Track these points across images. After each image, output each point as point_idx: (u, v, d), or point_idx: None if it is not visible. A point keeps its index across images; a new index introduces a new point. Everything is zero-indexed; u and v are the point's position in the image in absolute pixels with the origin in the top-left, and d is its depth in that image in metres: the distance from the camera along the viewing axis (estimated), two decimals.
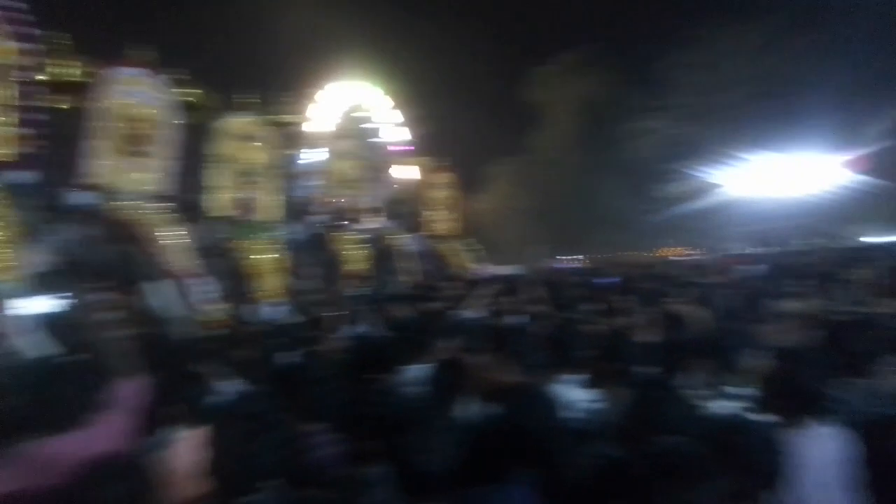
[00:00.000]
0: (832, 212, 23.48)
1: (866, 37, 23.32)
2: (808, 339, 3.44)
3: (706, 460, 1.63)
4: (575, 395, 2.96)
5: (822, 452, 2.11)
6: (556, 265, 13.28)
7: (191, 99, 12.49)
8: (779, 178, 24.68)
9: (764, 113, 27.43)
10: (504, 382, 2.73)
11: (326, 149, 14.77)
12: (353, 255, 13.31)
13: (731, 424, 1.91)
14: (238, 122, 11.16)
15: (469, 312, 6.45)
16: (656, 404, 2.07)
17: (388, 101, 20.52)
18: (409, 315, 6.10)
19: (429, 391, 2.97)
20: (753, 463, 1.80)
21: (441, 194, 18.27)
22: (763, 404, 2.46)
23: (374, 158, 20.96)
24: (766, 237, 20.58)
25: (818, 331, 3.45)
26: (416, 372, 3.39)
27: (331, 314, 4.62)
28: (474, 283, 10.37)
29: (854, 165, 22.40)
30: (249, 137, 11.19)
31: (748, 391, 2.74)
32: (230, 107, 11.56)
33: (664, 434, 1.80)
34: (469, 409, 2.67)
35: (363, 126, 20.60)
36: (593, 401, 2.78)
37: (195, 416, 2.17)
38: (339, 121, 17.36)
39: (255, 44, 25.94)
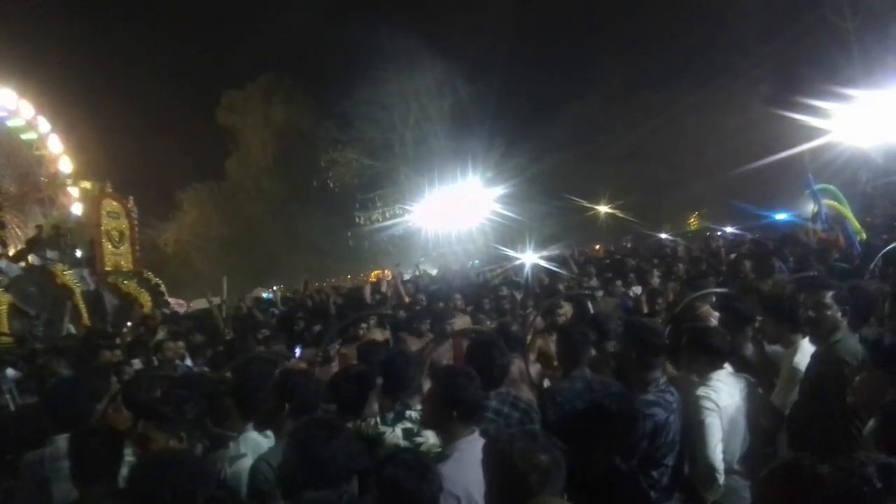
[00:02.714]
0: (488, 237, 28.10)
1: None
2: (465, 354, 3.90)
3: None
4: (261, 446, 2.89)
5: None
6: (252, 298, 12.76)
7: None
8: (449, 208, 28.33)
9: (434, 150, 31.49)
10: (150, 450, 2.50)
11: None
12: None
13: (391, 459, 2.04)
14: None
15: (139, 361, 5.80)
16: (319, 446, 2.05)
17: (35, 112, 17.24)
18: (71, 372, 5.21)
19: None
20: (414, 492, 1.92)
21: (115, 223, 15.97)
22: (427, 423, 2.74)
23: (22, 180, 17.47)
24: (444, 260, 23.40)
25: (472, 346, 3.94)
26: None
27: None
28: (156, 324, 9.37)
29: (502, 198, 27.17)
30: None
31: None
32: None
33: (328, 478, 1.86)
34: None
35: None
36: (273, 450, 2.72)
37: None
38: None
39: None
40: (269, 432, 2.99)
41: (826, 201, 10.34)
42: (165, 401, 2.68)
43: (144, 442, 2.55)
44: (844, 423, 2.77)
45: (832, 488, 1.35)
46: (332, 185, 34.13)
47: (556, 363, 4.26)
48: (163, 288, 16.52)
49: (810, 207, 11.01)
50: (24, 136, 17.80)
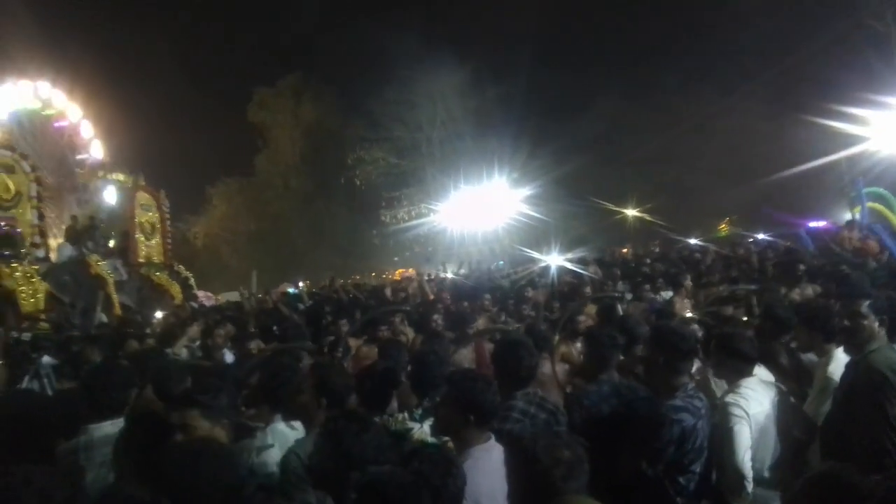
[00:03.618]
0: (514, 237, 28.02)
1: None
2: (493, 353, 3.89)
3: (409, 487, 1.76)
4: (288, 437, 2.93)
5: (498, 466, 2.29)
6: (277, 292, 12.90)
7: None
8: (475, 208, 28.33)
9: (460, 150, 31.51)
10: (195, 438, 2.54)
11: None
12: (26, 289, 10.95)
13: (417, 453, 2.07)
14: None
15: (180, 351, 5.93)
16: (349, 439, 2.08)
17: (76, 107, 17.69)
18: (105, 359, 5.34)
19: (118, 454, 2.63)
20: (440, 487, 1.93)
21: (148, 216, 16.33)
22: (441, 429, 2.71)
23: (58, 171, 17.95)
24: (468, 260, 23.34)
25: (500, 345, 3.92)
26: (106, 430, 2.99)
27: None
28: (187, 315, 9.54)
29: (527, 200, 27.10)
30: None
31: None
32: None
33: (360, 467, 1.89)
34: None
35: (41, 132, 17.49)
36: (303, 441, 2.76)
37: None
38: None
39: None
40: (296, 424, 3.03)
41: (872, 204, 10.00)
42: (204, 390, 2.73)
43: (187, 431, 2.57)
44: (879, 435, 2.71)
45: (880, 499, 1.31)
46: (358, 183, 34.41)
47: (579, 368, 4.24)
48: (192, 281, 16.83)
49: (845, 215, 10.71)
50: (56, 125, 18.27)
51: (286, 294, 13.41)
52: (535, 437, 2.06)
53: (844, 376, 3.04)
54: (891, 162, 18.30)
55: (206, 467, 1.96)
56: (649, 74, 30.41)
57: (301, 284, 19.54)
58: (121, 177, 18.64)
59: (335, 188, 34.93)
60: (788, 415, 3.04)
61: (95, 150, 18.72)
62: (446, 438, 2.85)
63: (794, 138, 22.44)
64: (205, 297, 16.76)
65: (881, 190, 10.80)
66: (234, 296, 16.19)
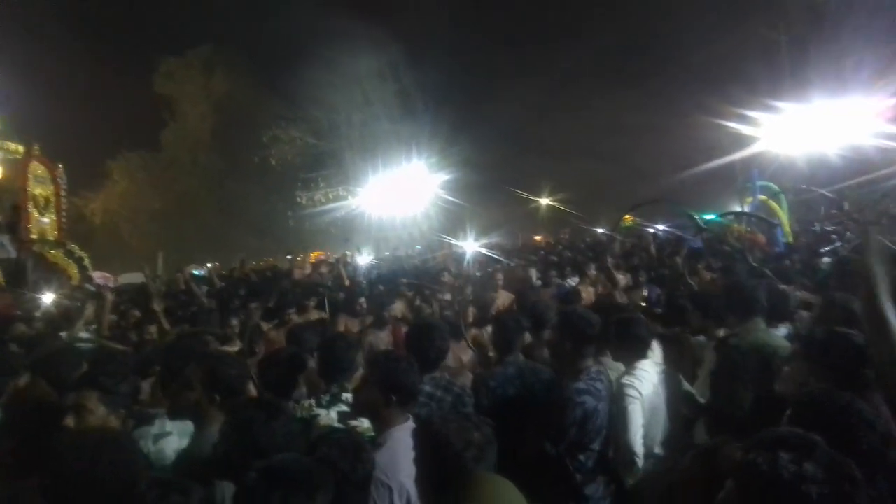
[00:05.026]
0: (432, 223, 28.22)
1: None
2: (406, 336, 3.91)
3: (314, 472, 1.74)
4: (188, 424, 2.82)
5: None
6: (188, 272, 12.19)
7: None
8: (393, 192, 28.19)
9: (379, 134, 31.23)
10: (88, 423, 2.39)
11: None
12: None
13: (325, 438, 2.05)
14: None
15: (76, 334, 5.54)
16: (257, 427, 2.04)
17: None
18: None
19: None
20: (348, 472, 1.95)
21: (41, 189, 15.03)
22: (361, 410, 2.71)
23: None
24: (385, 245, 23.30)
25: (414, 328, 3.93)
26: None
27: None
28: (85, 297, 8.93)
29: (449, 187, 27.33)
30: None
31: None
32: None
33: (269, 455, 1.85)
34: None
35: None
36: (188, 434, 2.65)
37: None
38: None
39: None
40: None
41: (763, 198, 10.80)
42: (107, 373, 2.56)
43: (80, 414, 2.39)
44: (743, 412, 2.95)
45: (739, 468, 1.44)
46: (273, 162, 33.30)
47: (489, 353, 4.36)
48: (87, 262, 15.69)
49: (736, 208, 11.52)
50: None
51: (192, 276, 12.79)
52: (446, 421, 2.09)
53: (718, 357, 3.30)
54: (780, 163, 19.90)
55: (103, 460, 1.83)
56: (566, 69, 31.38)
57: (209, 265, 18.72)
58: (11, 146, 17.05)
59: (248, 167, 33.62)
60: (677, 394, 3.27)
61: None
62: (356, 424, 2.84)
63: (697, 137, 23.89)
64: (101, 278, 15.67)
65: (773, 185, 11.66)
66: (134, 277, 15.23)
